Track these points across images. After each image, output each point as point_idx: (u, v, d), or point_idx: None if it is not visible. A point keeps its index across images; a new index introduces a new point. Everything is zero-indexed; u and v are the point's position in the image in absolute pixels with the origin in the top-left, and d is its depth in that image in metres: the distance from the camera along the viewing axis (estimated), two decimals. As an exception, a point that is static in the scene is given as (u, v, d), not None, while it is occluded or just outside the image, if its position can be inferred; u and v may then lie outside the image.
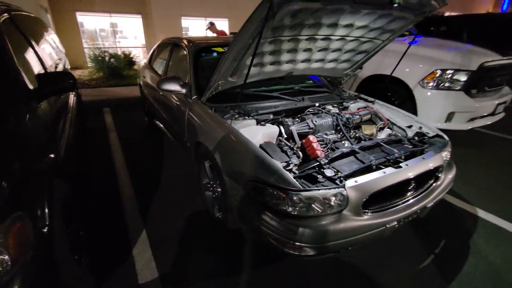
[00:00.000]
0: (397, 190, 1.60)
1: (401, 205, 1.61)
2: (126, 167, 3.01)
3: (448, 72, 3.12)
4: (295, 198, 1.38)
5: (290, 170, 1.57)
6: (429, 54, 3.29)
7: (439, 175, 1.85)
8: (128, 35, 13.38)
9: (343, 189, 1.42)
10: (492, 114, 3.38)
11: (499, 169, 3.11)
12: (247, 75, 1.63)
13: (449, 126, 3.15)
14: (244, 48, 1.71)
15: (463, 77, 3.12)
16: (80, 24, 10.93)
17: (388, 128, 2.30)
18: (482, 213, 2.35)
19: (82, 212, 1.67)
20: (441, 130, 2.17)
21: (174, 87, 2.31)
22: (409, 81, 3.28)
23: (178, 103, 2.53)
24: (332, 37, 1.99)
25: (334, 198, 1.42)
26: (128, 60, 8.41)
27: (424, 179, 1.76)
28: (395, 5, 1.58)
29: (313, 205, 1.40)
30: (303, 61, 2.23)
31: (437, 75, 3.14)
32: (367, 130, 2.24)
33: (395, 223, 1.56)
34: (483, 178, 2.90)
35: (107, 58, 7.68)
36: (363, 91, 3.12)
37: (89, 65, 9.05)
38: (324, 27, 1.82)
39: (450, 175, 1.96)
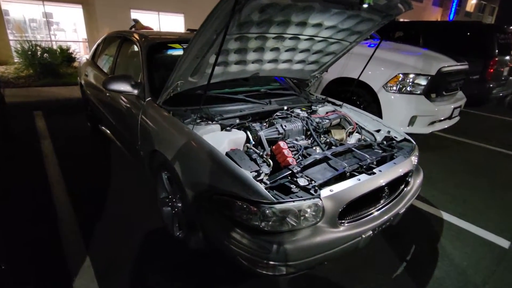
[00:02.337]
0: (371, 198, 1.63)
1: (375, 213, 1.65)
2: (63, 181, 2.70)
3: (410, 76, 3.35)
4: (268, 212, 1.32)
5: (261, 181, 1.51)
6: (392, 58, 3.51)
7: (409, 180, 1.93)
8: (66, 27, 12.40)
9: (318, 199, 1.40)
10: (450, 118, 3.71)
11: (458, 171, 3.41)
12: (211, 74, 1.55)
13: (411, 130, 3.38)
14: (208, 44, 1.62)
15: (423, 81, 3.38)
16: (5, 12, 9.82)
17: (357, 132, 2.37)
18: (446, 216, 2.54)
19: (2, 240, 1.43)
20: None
21: (124, 87, 2.14)
22: (373, 84, 3.46)
23: (128, 105, 2.34)
24: (300, 36, 2.00)
25: (309, 210, 1.39)
26: (66, 56, 7.75)
27: (396, 185, 1.83)
28: (365, 5, 1.63)
29: (287, 218, 1.35)
30: (270, 61, 2.21)
31: (400, 79, 3.36)
32: (337, 134, 2.28)
33: (370, 232, 1.59)
34: (445, 181, 3.14)
35: (39, 53, 6.97)
36: (328, 95, 3.21)
37: (16, 60, 8.14)
38: (293, 25, 1.82)
39: (419, 180, 2.07)
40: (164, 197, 2.03)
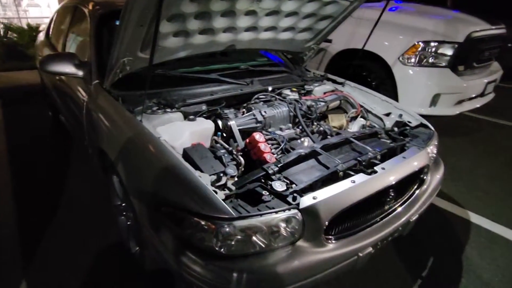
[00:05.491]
0: (371, 204, 1.41)
1: (377, 224, 1.43)
2: (10, 185, 2.55)
3: (431, 44, 3.05)
4: (227, 229, 1.11)
5: (224, 186, 1.30)
6: (409, 23, 3.20)
7: (425, 177, 1.70)
8: (40, 2, 12.18)
9: (296, 210, 1.18)
10: (482, 95, 3.41)
11: (492, 161, 3.14)
12: (153, 48, 1.31)
13: (434, 112, 3.11)
14: (150, 7, 1.38)
15: (449, 51, 3.07)
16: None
17: (361, 117, 2.13)
18: (475, 218, 2.30)
19: None
20: (426, 116, 2.05)
21: (66, 68, 1.94)
22: (387, 56, 3.17)
23: (75, 91, 2.14)
24: (282, -5, 1.73)
25: (284, 225, 1.17)
26: (34, 35, 7.54)
27: (406, 185, 1.59)
28: None
29: (253, 238, 1.14)
30: (247, 30, 1.96)
31: (419, 48, 3.05)
32: (335, 121, 2.04)
33: (370, 248, 1.37)
34: (475, 174, 2.88)
35: (2, 32, 6.79)
36: (334, 71, 2.94)
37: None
38: (269, -21, 1.56)
39: (438, 175, 1.84)
40: (118, 204, 1.84)
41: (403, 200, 1.59)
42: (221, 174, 1.29)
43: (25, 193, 2.46)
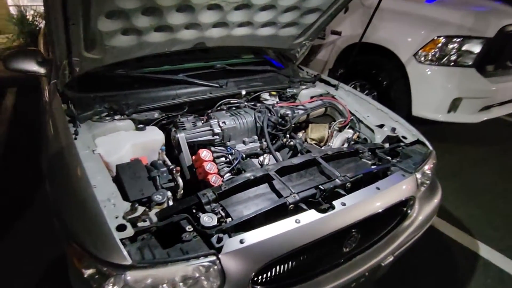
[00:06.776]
0: (323, 246, 1.15)
1: (332, 271, 1.17)
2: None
3: (455, 40, 2.61)
4: (127, 278, 0.92)
5: (144, 217, 1.10)
6: (430, 13, 2.76)
7: (408, 211, 1.40)
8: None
9: (214, 258, 0.96)
10: (515, 100, 2.92)
11: (519, 177, 2.69)
12: (69, 51, 1.12)
13: (454, 118, 2.71)
14: (77, 2, 1.18)
15: (476, 48, 2.64)
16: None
17: (350, 127, 1.83)
18: (485, 251, 1.95)
19: None
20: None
21: (28, 65, 1.81)
22: (401, 52, 2.77)
23: (42, 89, 2.03)
24: (248, -15, 1.47)
25: (197, 275, 0.96)
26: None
27: (379, 222, 1.31)
28: None
29: (158, 288, 0.94)
30: (216, 26, 1.71)
31: (439, 44, 2.63)
32: (315, 132, 1.77)
33: (321, 301, 1.13)
34: (495, 193, 2.47)
35: (30, 18, 6.94)
36: (343, 66, 2.63)
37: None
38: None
39: (436, 199, 1.56)
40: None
41: (375, 239, 1.31)
42: (136, 204, 1.08)
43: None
